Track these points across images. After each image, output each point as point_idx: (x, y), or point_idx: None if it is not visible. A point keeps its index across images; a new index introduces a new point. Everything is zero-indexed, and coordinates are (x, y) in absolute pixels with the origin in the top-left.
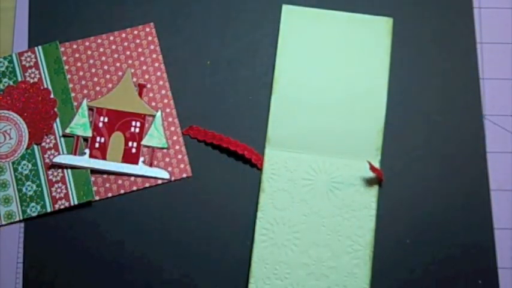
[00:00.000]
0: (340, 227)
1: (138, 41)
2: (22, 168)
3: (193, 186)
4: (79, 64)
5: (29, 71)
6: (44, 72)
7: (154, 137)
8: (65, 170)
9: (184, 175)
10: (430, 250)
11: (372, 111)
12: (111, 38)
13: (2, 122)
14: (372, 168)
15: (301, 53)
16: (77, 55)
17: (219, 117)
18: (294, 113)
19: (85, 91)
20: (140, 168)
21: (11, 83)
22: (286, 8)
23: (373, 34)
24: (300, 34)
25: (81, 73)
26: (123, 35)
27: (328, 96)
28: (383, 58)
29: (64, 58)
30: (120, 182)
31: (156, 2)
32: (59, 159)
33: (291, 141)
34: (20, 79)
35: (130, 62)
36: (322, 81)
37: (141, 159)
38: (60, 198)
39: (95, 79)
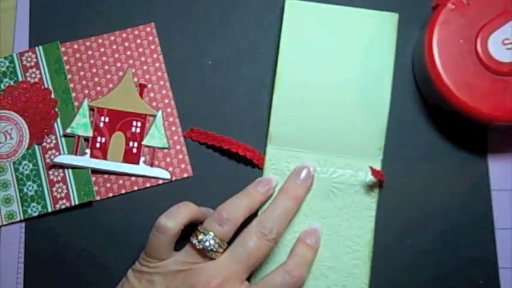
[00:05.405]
0: (339, 227)
1: (139, 41)
2: (23, 168)
3: (194, 186)
4: (80, 64)
5: (30, 71)
6: (44, 72)
7: (155, 137)
8: (66, 170)
9: (185, 175)
10: (430, 250)
11: (375, 110)
12: (112, 38)
13: (2, 122)
14: (374, 173)
15: (304, 49)
16: (77, 55)
17: (220, 117)
18: (295, 111)
19: (86, 91)
20: (141, 168)
21: (12, 83)
22: (289, 2)
23: (379, 30)
24: (303, 29)
25: (81, 73)
26: (124, 35)
27: (331, 94)
28: (388, 55)
29: (65, 58)
30: (121, 182)
31: (157, 2)
32: (60, 159)
33: (292, 140)
34: (20, 79)
35: (131, 62)
36: (324, 78)
37: (142, 159)
38: (61, 198)
39: (96, 79)
